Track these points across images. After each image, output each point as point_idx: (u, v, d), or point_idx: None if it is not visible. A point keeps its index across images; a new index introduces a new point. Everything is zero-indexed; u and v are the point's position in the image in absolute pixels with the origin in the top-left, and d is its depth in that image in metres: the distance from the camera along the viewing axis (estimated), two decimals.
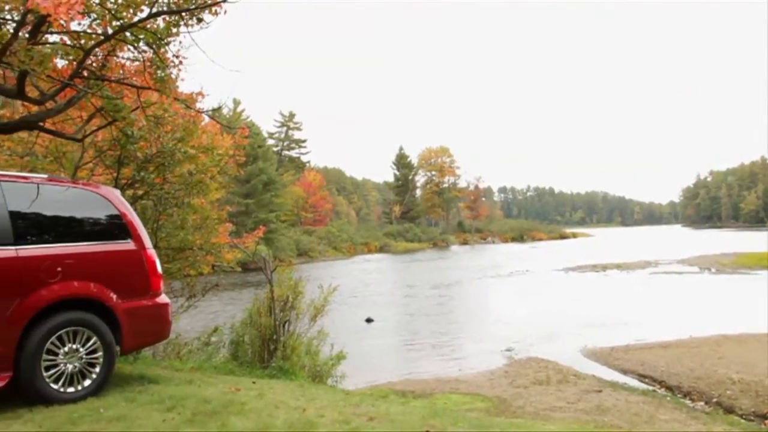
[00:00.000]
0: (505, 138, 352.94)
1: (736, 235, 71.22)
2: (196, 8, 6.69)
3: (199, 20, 6.89)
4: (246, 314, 10.03)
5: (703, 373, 11.74)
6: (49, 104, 7.32)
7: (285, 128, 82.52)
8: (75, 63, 6.77)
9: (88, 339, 4.99)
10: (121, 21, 6.30)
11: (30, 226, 4.98)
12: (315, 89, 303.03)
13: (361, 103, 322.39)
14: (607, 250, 59.09)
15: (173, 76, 7.70)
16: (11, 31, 5.97)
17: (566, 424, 8.36)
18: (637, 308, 21.93)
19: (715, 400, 10.36)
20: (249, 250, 13.74)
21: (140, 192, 9.64)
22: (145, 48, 7.11)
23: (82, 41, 6.64)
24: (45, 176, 5.52)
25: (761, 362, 12.17)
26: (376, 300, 26.54)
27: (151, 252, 5.73)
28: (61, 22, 4.75)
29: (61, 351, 4.82)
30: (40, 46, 6.26)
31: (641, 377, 12.33)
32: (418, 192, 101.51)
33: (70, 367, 4.86)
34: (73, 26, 6.18)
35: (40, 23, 5.85)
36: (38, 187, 5.16)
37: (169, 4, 6.56)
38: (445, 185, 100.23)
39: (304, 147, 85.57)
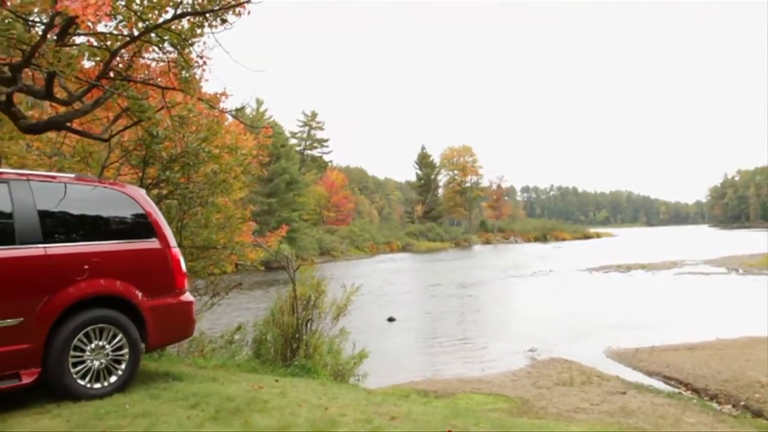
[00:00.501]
0: (529, 137, 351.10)
1: (765, 236, 69.91)
2: (219, 9, 6.75)
3: (223, 21, 6.94)
4: (269, 313, 10.09)
5: (731, 376, 11.53)
6: (77, 105, 7.44)
7: (307, 128, 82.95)
8: (102, 64, 6.87)
9: (114, 336, 5.06)
10: (147, 22, 6.38)
11: (58, 225, 5.06)
12: (337, 88, 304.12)
13: (383, 103, 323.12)
14: (632, 250, 58.36)
15: (197, 77, 7.78)
16: (40, 33, 6.08)
17: (590, 426, 8.28)
18: (662, 309, 21.62)
19: (742, 403, 10.18)
20: (272, 249, 13.83)
21: (165, 191, 9.75)
22: (170, 49, 7.19)
23: (109, 43, 6.73)
24: (72, 176, 5.58)
25: None
26: (398, 299, 26.52)
27: (176, 250, 5.79)
28: (89, 23, 4.83)
29: (88, 348, 4.90)
30: (67, 48, 6.36)
31: (667, 379, 12.16)
32: (441, 191, 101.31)
33: (96, 363, 4.94)
34: (100, 28, 6.27)
35: (68, 25, 5.95)
36: (66, 187, 5.24)
37: (193, 5, 6.63)
38: (468, 185, 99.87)
39: (327, 146, 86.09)
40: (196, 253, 10.67)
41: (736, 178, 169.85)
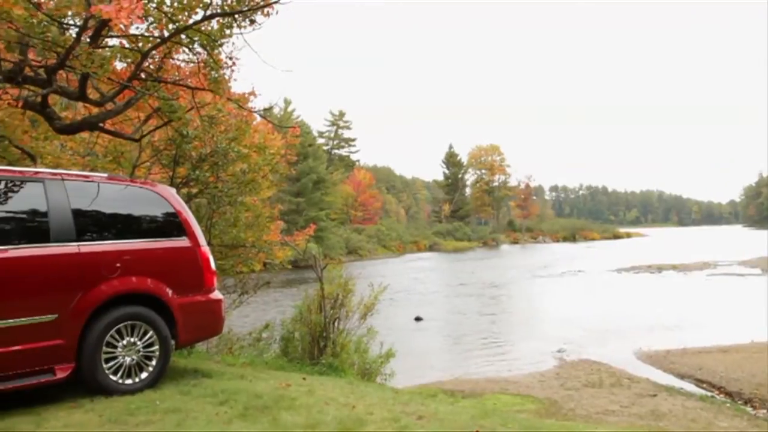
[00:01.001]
0: (558, 136, 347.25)
1: None
2: (248, 10, 6.81)
3: (252, 21, 7.00)
4: (296, 311, 10.15)
5: (766, 379, 11.28)
6: (109, 106, 7.58)
7: (335, 127, 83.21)
8: (133, 65, 6.98)
9: (145, 333, 5.14)
10: (177, 24, 6.46)
11: (91, 224, 5.15)
12: (365, 87, 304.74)
13: (410, 101, 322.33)
14: (663, 250, 57.48)
15: (226, 77, 7.86)
16: (74, 35, 6.20)
17: (620, 429, 8.17)
18: (693, 310, 21.24)
19: None
20: (300, 247, 13.92)
21: (195, 190, 9.87)
22: (200, 50, 7.28)
23: (140, 44, 6.84)
24: (105, 175, 5.67)
25: None
26: (425, 298, 26.48)
27: (205, 249, 5.86)
28: (121, 26, 4.91)
29: (120, 344, 4.99)
30: (100, 50, 6.48)
31: (699, 382, 11.94)
32: (468, 190, 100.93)
33: (128, 359, 5.03)
34: (132, 30, 6.38)
35: (101, 27, 6.05)
36: (99, 186, 5.33)
37: (222, 6, 6.70)
38: (495, 184, 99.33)
39: (354, 145, 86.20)
40: (225, 251, 10.78)
41: None
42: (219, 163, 9.45)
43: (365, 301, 10.38)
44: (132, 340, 5.06)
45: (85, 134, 8.98)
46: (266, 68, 7.51)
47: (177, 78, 8.15)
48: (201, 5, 6.45)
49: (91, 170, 7.92)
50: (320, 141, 75.24)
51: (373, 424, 4.54)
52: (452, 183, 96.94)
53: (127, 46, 6.96)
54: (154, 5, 6.32)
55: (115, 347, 4.95)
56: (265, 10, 6.88)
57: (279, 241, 13.22)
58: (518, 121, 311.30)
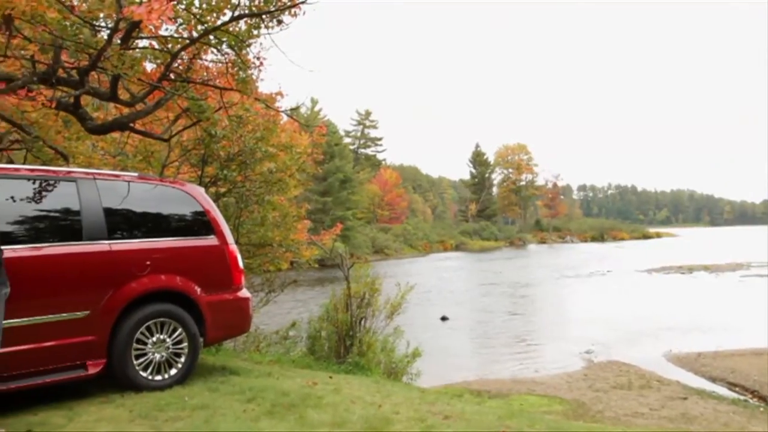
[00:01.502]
0: (586, 135, 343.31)
1: None
2: (276, 10, 6.84)
3: (279, 22, 7.03)
4: (323, 310, 10.20)
5: None
6: (139, 106, 7.68)
7: (361, 126, 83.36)
8: (163, 66, 7.06)
9: (174, 330, 5.22)
10: (206, 25, 6.52)
11: (121, 222, 5.24)
12: (391, 86, 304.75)
13: (437, 100, 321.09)
14: (694, 250, 56.47)
15: (254, 77, 7.90)
16: (105, 37, 6.30)
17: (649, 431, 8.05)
18: (725, 312, 20.83)
19: None
20: (326, 247, 13.97)
21: (223, 189, 9.97)
22: (228, 50, 7.33)
23: (170, 45, 6.92)
24: (135, 174, 5.77)
25: None
26: (452, 298, 26.39)
27: (233, 248, 5.91)
28: (151, 27, 4.98)
29: (150, 341, 5.07)
30: (131, 51, 6.57)
31: (731, 386, 11.71)
32: (495, 190, 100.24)
33: (157, 356, 5.10)
34: (161, 31, 6.45)
35: (132, 29, 6.14)
36: (129, 185, 5.42)
37: (250, 7, 6.74)
38: (523, 183, 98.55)
39: (380, 145, 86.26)
40: (253, 250, 10.88)
41: None
42: (247, 163, 9.53)
43: (392, 300, 10.39)
44: (161, 337, 5.14)
45: (115, 134, 9.12)
46: (293, 68, 7.59)
47: (205, 78, 8.22)
48: (229, 6, 6.50)
49: (122, 170, 8.03)
50: (347, 140, 75.47)
51: (400, 424, 4.54)
52: (479, 182, 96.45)
53: (156, 47, 7.04)
54: (183, 6, 6.39)
55: (145, 344, 5.03)
56: (293, 10, 6.90)
57: (306, 240, 13.29)
58: (546, 120, 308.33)
